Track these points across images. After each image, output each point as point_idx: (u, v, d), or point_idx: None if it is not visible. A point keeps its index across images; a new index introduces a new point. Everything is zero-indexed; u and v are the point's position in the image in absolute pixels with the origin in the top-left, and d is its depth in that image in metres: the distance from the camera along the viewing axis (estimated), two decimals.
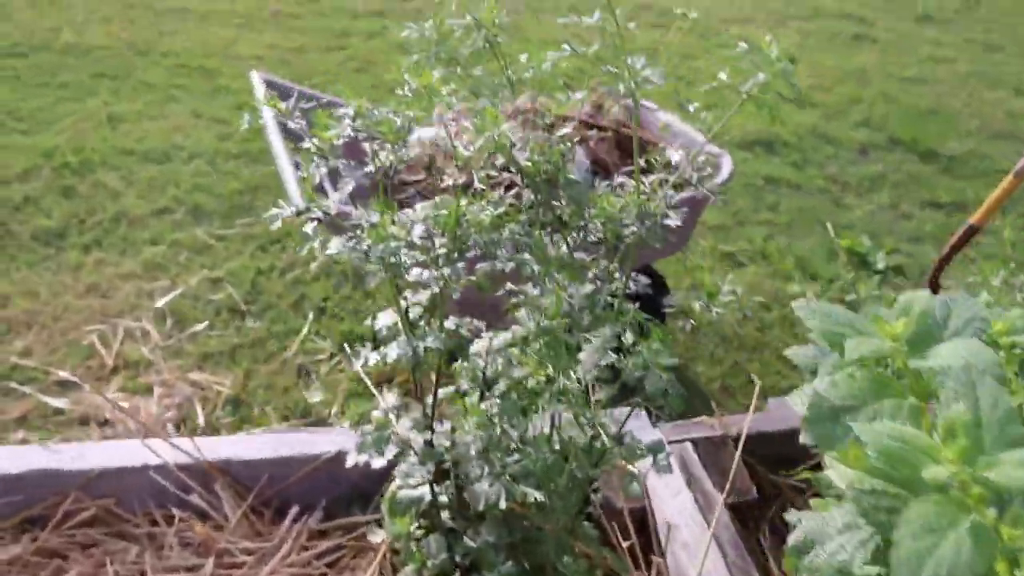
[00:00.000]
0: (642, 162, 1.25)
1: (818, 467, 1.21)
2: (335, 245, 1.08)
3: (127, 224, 3.02)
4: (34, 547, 1.47)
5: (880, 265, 3.32)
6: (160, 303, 2.63)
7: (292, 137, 2.04)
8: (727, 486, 1.53)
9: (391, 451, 1.19)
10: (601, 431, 1.14)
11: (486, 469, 1.12)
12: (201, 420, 2.20)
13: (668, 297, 2.51)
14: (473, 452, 1.15)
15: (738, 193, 3.73)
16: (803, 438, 0.99)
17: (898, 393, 0.99)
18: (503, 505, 1.05)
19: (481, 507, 1.05)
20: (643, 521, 1.55)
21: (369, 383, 1.36)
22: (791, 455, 1.66)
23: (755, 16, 6.25)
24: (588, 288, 1.24)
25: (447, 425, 1.25)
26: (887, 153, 4.29)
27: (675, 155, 1.26)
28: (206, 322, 2.58)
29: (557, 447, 1.16)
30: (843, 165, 4.13)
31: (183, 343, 2.50)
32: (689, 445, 1.77)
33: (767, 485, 1.82)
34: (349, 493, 1.65)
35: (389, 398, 1.24)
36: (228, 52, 4.69)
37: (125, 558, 1.47)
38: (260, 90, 2.42)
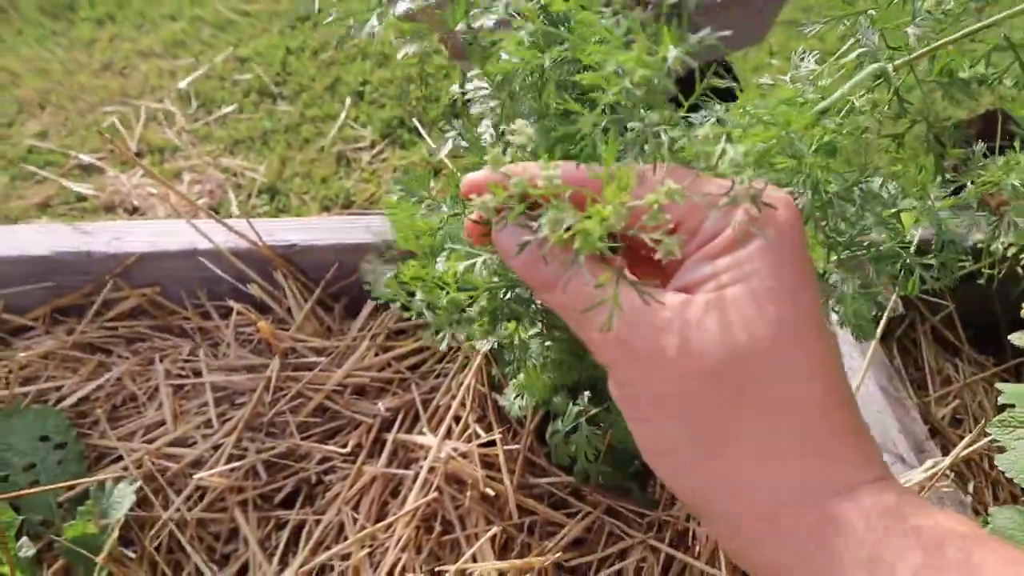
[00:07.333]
0: None
1: None
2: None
3: None
4: (71, 340, 1.29)
5: None
6: (183, 83, 2.40)
7: None
8: None
9: None
10: None
11: None
12: (235, 208, 2.03)
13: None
14: None
15: None
16: None
17: None
18: None
19: None
20: None
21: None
22: None
23: None
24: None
25: None
26: None
27: None
28: (234, 105, 2.35)
29: None
30: None
31: (211, 127, 2.29)
32: None
33: None
34: None
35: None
36: None
37: (177, 356, 1.28)
38: None
